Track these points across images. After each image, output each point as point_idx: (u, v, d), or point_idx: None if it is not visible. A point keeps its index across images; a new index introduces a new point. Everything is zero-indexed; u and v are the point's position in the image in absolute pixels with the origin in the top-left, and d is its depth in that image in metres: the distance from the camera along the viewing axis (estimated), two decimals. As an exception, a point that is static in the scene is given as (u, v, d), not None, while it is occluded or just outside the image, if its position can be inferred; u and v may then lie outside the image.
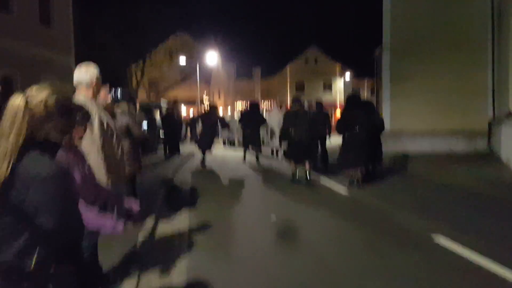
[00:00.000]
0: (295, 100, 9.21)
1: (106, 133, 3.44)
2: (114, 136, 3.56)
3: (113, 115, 6.29)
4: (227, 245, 4.88)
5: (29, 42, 13.29)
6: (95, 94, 3.58)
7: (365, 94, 48.33)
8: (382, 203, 6.96)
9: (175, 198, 7.60)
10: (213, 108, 12.73)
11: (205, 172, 11.09)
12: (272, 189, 8.59)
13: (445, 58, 14.41)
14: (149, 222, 5.36)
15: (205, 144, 11.55)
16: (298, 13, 65.45)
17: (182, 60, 31.70)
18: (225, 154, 16.27)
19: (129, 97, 4.93)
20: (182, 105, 38.50)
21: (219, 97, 44.73)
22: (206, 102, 34.14)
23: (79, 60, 23.67)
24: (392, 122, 14.84)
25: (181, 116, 22.90)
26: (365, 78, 46.64)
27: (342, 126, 8.29)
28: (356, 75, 44.35)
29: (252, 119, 12.54)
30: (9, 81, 13.11)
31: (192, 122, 12.84)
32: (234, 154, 15.80)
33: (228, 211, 6.56)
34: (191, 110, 34.32)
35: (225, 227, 5.67)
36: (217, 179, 9.99)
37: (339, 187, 8.23)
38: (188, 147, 19.82)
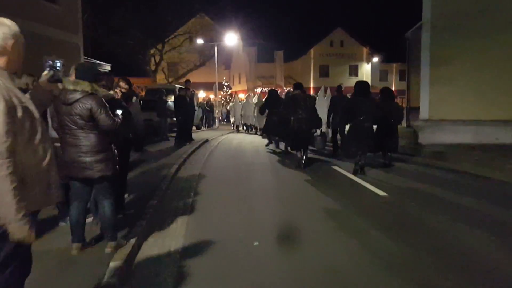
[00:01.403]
0: (297, 86, 9.26)
1: (20, 127, 2.09)
2: (38, 132, 2.20)
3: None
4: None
5: (31, 20, 12.15)
6: (12, 64, 2.23)
7: (393, 79, 45.96)
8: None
9: (169, 202, 6.25)
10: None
11: (215, 165, 9.79)
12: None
13: (494, 39, 12.51)
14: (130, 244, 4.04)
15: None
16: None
17: (201, 43, 30.54)
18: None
19: (96, 73, 3.39)
20: (202, 90, 37.59)
21: (239, 81, 43.27)
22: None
23: (92, 41, 22.90)
24: (432, 110, 13.11)
25: (195, 100, 21.62)
26: (393, 62, 44.26)
27: (345, 115, 8.12)
28: (384, 59, 42.01)
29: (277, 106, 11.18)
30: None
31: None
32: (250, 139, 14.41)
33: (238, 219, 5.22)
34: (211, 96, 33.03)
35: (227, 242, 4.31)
36: (225, 171, 8.69)
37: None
38: (205, 133, 18.81)
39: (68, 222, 4.08)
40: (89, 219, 4.26)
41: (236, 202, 6.18)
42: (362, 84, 8.15)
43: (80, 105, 3.63)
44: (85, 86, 3.68)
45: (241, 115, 20.67)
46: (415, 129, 13.87)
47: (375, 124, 8.13)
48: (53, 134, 4.41)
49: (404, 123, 27.12)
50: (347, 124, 8.28)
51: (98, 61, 19.81)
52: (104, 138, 3.83)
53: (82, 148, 3.70)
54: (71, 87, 3.67)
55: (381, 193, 6.60)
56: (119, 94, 4.67)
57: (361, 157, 7.95)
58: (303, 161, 8.88)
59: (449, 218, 5.28)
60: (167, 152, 10.90)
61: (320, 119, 9.23)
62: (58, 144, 4.02)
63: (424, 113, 13.42)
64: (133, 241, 4.06)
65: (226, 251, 4.18)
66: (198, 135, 17.67)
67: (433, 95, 13.13)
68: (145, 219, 4.81)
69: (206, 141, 14.84)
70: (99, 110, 3.66)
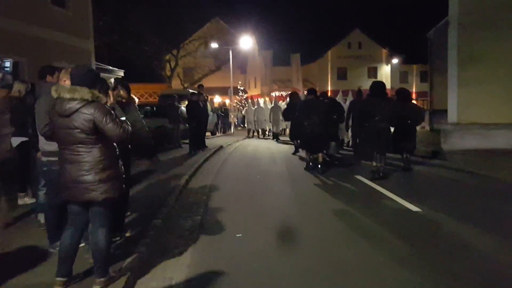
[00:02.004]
0: (310, 91, 9.28)
1: None
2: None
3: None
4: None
5: (40, 24, 11.81)
6: None
7: (413, 81, 44.74)
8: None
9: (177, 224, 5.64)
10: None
11: (228, 175, 9.17)
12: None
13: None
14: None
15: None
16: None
17: (216, 47, 30.24)
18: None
19: (95, 77, 2.81)
20: (217, 95, 37.19)
21: (255, 85, 42.71)
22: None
23: (108, 47, 22.73)
24: (461, 113, 12.23)
25: (209, 105, 21.03)
26: (413, 64, 43.05)
27: (361, 115, 8.01)
28: (404, 61, 40.85)
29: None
30: (16, 64, 11.76)
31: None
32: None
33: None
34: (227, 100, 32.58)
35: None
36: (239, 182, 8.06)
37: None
38: (220, 139, 18.26)
39: (57, 249, 3.50)
40: (81, 245, 3.64)
41: (251, 222, 5.51)
42: (377, 85, 7.99)
43: (80, 116, 3.07)
44: (84, 93, 3.11)
45: (254, 120, 20.20)
46: (442, 133, 12.97)
47: (391, 126, 8.06)
48: (46, 148, 3.89)
49: (427, 126, 26.10)
50: (362, 125, 8.04)
51: (111, 67, 19.50)
52: (110, 152, 3.25)
53: (84, 166, 3.11)
54: (67, 95, 3.10)
55: (413, 208, 5.85)
56: (112, 100, 4.04)
57: (378, 159, 7.78)
58: (319, 166, 8.79)
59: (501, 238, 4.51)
60: (178, 161, 10.35)
61: (336, 124, 9.24)
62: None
63: (452, 116, 12.53)
64: (127, 275, 3.44)
65: (236, 286, 3.53)
66: (213, 141, 17.12)
67: (462, 97, 12.24)
68: (144, 245, 4.20)
69: (220, 148, 14.26)
70: (104, 119, 3.08)
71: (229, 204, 6.44)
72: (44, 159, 4.00)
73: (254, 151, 13.94)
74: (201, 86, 13.52)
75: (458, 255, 4.11)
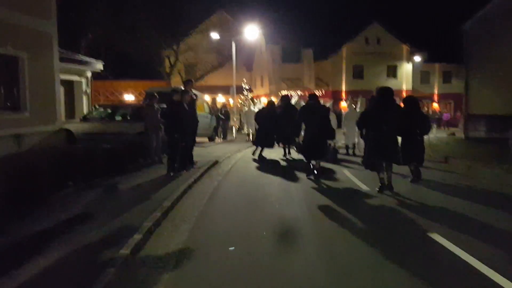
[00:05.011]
0: (311, 97, 9.21)
1: None
2: None
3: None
4: None
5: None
6: None
7: (435, 81, 40.95)
8: None
9: None
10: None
11: (215, 228, 5.64)
12: None
13: None
14: None
15: None
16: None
17: (218, 39, 27.22)
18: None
19: None
20: (220, 94, 33.88)
21: (262, 84, 39.14)
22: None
23: (102, 40, 19.51)
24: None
25: (206, 106, 17.72)
26: (436, 62, 39.21)
27: (366, 124, 7.70)
28: (427, 59, 37.02)
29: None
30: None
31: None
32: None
33: None
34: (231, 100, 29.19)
35: None
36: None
37: None
38: (218, 148, 14.80)
39: None
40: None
41: None
42: (385, 91, 7.65)
43: None
44: None
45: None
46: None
47: (399, 135, 7.84)
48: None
49: (462, 134, 22.43)
50: (368, 132, 7.71)
51: (87, 58, 16.10)
52: None
53: None
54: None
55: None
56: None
57: (386, 170, 7.40)
58: (315, 172, 8.74)
59: None
60: (144, 192, 6.83)
61: (333, 130, 9.28)
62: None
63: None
64: None
65: None
66: (208, 151, 13.66)
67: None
68: None
69: (215, 164, 10.76)
70: None
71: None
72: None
73: (259, 170, 10.43)
74: (188, 81, 9.94)
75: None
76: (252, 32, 23.46)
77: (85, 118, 13.68)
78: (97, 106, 16.09)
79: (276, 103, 13.59)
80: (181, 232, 5.06)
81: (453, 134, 24.58)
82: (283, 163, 11.82)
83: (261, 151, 12.43)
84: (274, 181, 8.70)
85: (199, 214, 5.90)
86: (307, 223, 5.55)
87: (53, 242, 4.41)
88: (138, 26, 27.45)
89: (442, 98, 40.58)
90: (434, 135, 18.29)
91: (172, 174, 8.37)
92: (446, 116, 34.74)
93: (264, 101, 20.65)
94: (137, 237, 4.55)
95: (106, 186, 7.43)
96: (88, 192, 6.79)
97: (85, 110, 15.59)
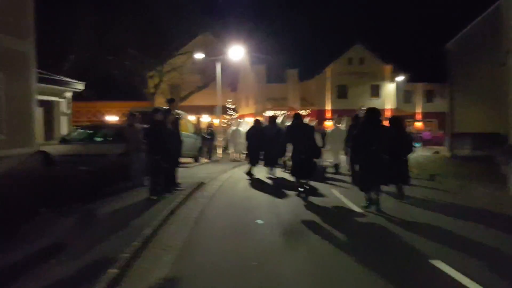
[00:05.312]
0: (296, 116, 9.38)
1: None
2: None
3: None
4: None
5: None
6: None
7: (418, 100, 41.49)
8: None
9: None
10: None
11: (198, 268, 5.21)
12: None
13: None
14: None
15: None
16: (340, 5, 58.28)
17: (205, 63, 27.25)
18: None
19: None
20: (205, 114, 33.65)
21: (247, 104, 39.02)
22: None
23: (87, 62, 19.36)
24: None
25: (190, 126, 17.38)
26: (418, 82, 39.75)
27: (357, 144, 7.76)
28: (410, 79, 37.49)
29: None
30: None
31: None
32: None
33: None
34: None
35: None
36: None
37: None
38: (203, 169, 14.37)
39: None
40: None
41: None
42: (373, 112, 7.66)
43: None
44: None
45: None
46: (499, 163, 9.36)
47: (387, 155, 7.62)
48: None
49: (447, 152, 22.47)
50: (359, 154, 7.80)
51: (67, 78, 15.66)
52: None
53: None
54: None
55: None
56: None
57: (375, 190, 7.43)
58: (303, 191, 8.79)
59: None
60: (123, 218, 6.34)
61: (319, 149, 9.30)
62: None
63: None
64: None
65: None
66: (193, 172, 13.24)
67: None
68: None
69: (200, 185, 10.33)
70: None
71: None
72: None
73: (248, 191, 10.03)
74: (171, 100, 9.58)
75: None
76: (236, 53, 23.41)
77: (64, 140, 13.10)
78: (77, 127, 15.57)
79: (262, 123, 13.51)
80: (163, 264, 4.62)
81: (437, 152, 24.65)
82: (270, 181, 11.52)
83: (251, 169, 12.42)
84: (263, 203, 8.31)
85: (183, 243, 5.45)
86: (300, 252, 5.17)
87: (22, 278, 3.94)
88: (122, 48, 27.36)
89: (425, 117, 41.03)
90: (418, 153, 18.25)
91: (154, 197, 7.90)
92: (425, 135, 34.96)
93: (249, 121, 20.57)
94: (113, 271, 4.10)
95: (83, 212, 6.94)
96: (63, 220, 6.30)
97: (64, 131, 15.06)
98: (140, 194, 8.49)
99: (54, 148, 12.27)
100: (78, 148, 12.03)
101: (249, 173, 12.40)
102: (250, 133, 13.15)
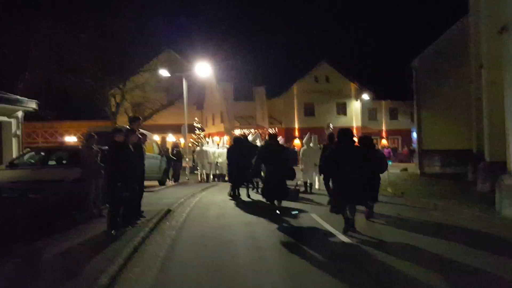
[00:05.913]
0: (271, 137, 9.58)
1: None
2: None
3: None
4: None
5: None
6: None
7: (382, 118, 42.14)
8: None
9: None
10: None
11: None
12: None
13: None
14: None
15: None
16: (306, 23, 59.07)
17: (169, 80, 26.47)
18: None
19: None
20: (170, 134, 32.51)
21: (213, 122, 38.18)
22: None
23: (44, 81, 18.23)
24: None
25: (155, 146, 16.36)
26: (382, 100, 40.39)
27: (330, 165, 7.59)
28: (374, 96, 38.01)
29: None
30: None
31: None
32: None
33: None
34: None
35: None
36: None
37: None
38: (169, 193, 13.30)
39: None
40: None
41: None
42: (345, 132, 7.64)
43: None
44: None
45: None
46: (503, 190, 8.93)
47: (359, 174, 7.50)
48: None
49: (416, 169, 22.45)
50: (331, 174, 7.91)
51: (18, 97, 14.29)
52: None
53: None
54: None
55: None
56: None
57: (349, 211, 7.29)
58: (277, 211, 8.75)
59: None
60: (75, 261, 5.29)
61: (293, 170, 9.11)
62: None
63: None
64: None
65: None
66: (159, 197, 12.24)
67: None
68: None
69: (167, 213, 9.32)
70: None
71: None
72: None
73: (221, 218, 9.13)
74: (135, 119, 8.58)
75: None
76: (202, 70, 22.72)
77: (12, 164, 11.75)
78: (28, 149, 14.16)
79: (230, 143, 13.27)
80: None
81: (405, 169, 24.65)
82: (242, 205, 10.81)
83: (235, 190, 12.07)
84: (239, 234, 7.40)
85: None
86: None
87: None
88: (81, 66, 26.13)
89: (390, 134, 41.65)
90: (388, 171, 18.08)
91: (113, 232, 6.87)
92: (386, 152, 35.15)
93: (216, 139, 19.87)
94: None
95: (27, 253, 5.82)
96: (1, 264, 5.19)
97: (14, 154, 13.63)
98: (97, 227, 7.42)
99: (0, 174, 10.98)
100: (27, 173, 10.79)
101: (233, 195, 11.88)
102: (230, 153, 12.66)
